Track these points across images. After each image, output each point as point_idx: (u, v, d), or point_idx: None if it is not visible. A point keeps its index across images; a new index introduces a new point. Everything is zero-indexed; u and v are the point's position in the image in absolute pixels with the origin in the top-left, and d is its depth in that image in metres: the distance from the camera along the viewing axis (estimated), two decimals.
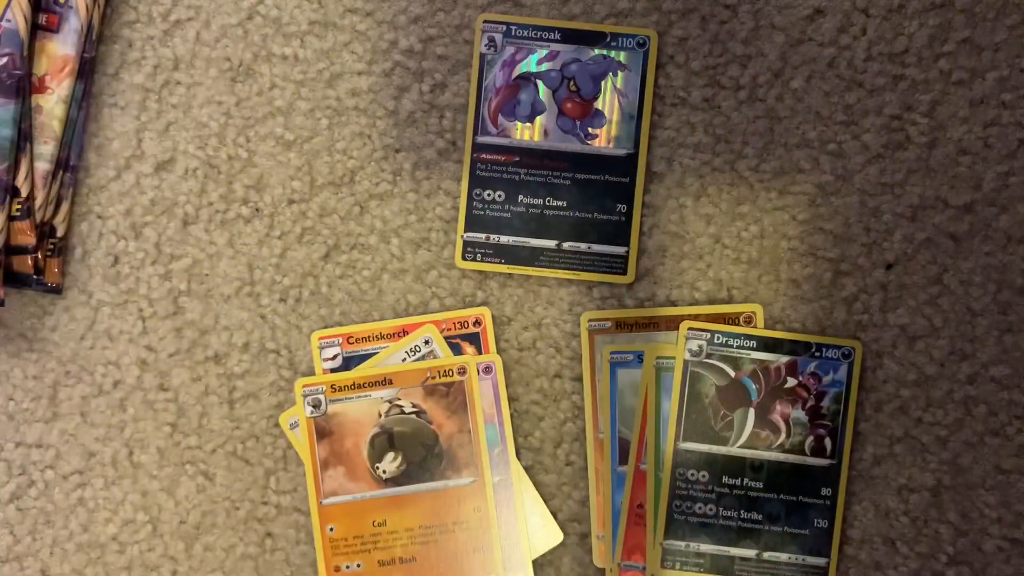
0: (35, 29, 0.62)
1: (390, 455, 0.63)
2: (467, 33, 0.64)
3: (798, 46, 0.64)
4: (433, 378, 0.63)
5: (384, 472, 0.63)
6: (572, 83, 0.62)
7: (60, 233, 0.64)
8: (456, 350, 0.63)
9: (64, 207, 0.64)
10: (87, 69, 0.64)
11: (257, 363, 0.64)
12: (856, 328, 0.63)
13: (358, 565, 0.62)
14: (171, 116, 0.65)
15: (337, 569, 0.63)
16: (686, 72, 0.64)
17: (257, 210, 0.65)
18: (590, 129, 0.63)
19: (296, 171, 0.65)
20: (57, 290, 0.64)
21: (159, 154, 0.65)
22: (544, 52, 0.63)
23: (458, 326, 0.64)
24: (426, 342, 0.63)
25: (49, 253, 0.63)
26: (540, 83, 0.63)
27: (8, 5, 0.60)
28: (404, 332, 0.64)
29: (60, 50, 0.62)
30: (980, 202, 0.63)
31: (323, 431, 0.63)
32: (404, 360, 0.63)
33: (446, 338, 0.63)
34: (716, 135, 0.64)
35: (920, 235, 0.63)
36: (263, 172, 0.65)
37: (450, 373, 0.63)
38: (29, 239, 0.61)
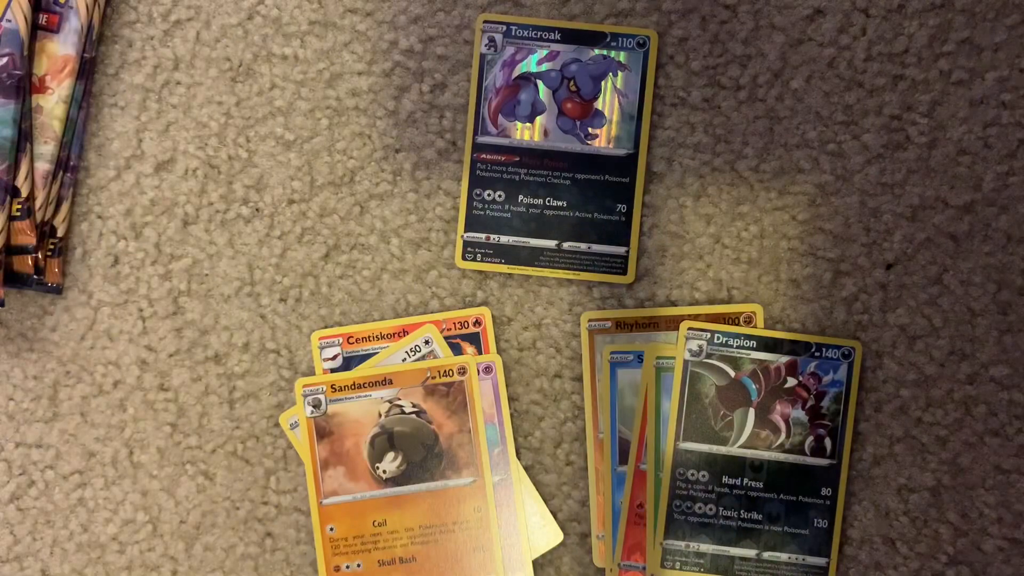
0: (35, 29, 0.62)
1: (390, 455, 0.63)
2: (467, 33, 0.64)
3: (798, 46, 0.64)
4: (433, 378, 0.63)
5: (384, 472, 0.63)
6: (572, 83, 0.62)
7: (60, 233, 0.64)
8: (456, 350, 0.63)
9: (64, 207, 0.64)
10: (87, 69, 0.64)
11: (257, 363, 0.64)
12: (856, 328, 0.63)
13: (358, 565, 0.62)
14: (171, 116, 0.65)
15: (337, 569, 0.63)
16: (686, 72, 0.64)
17: (257, 210, 0.65)
18: (590, 129, 0.63)
19: (296, 171, 0.65)
20: (57, 290, 0.64)
21: (159, 154, 0.65)
22: (544, 52, 0.63)
23: (458, 326, 0.64)
24: (426, 342, 0.63)
25: (49, 253, 0.63)
26: (540, 83, 0.63)
27: (8, 5, 0.60)
28: (404, 332, 0.64)
29: (60, 50, 0.62)
30: (980, 202, 0.63)
31: (323, 431, 0.63)
32: (404, 360, 0.63)
33: (446, 338, 0.63)
34: (716, 135, 0.64)
35: (920, 235, 0.63)
36: (263, 172, 0.65)
37: (450, 373, 0.63)
38: (29, 239, 0.62)
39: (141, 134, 0.65)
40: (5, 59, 0.60)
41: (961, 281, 0.63)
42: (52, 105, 0.62)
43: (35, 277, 0.63)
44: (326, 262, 0.65)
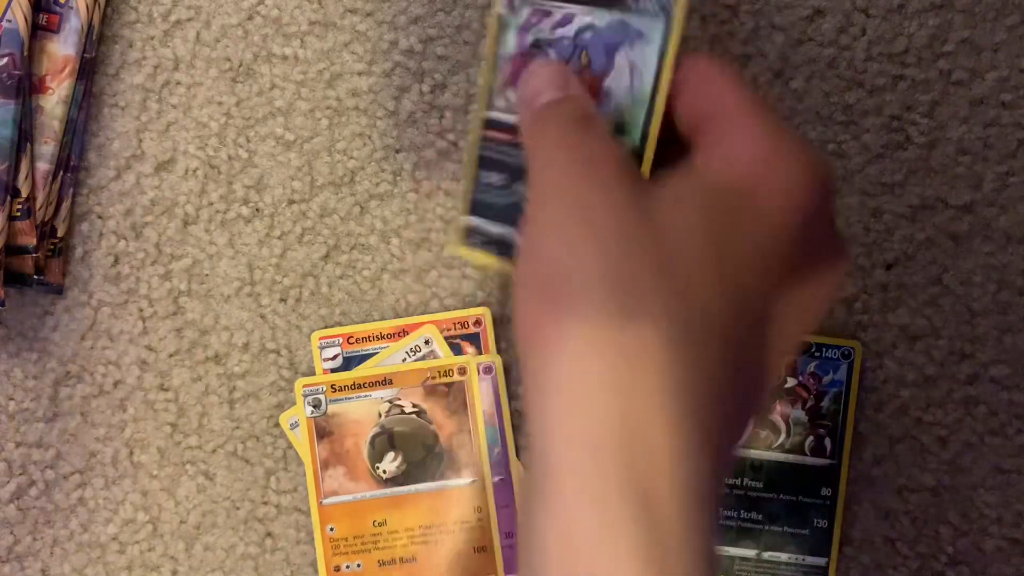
0: (35, 29, 0.62)
1: (390, 455, 0.63)
2: (467, 34, 0.64)
3: (798, 46, 0.64)
4: (433, 378, 0.63)
5: (384, 472, 0.63)
6: (584, 55, 0.54)
7: (60, 233, 0.64)
8: (456, 350, 0.63)
9: (64, 207, 0.64)
10: (87, 69, 0.64)
11: (257, 363, 0.64)
12: (856, 328, 0.63)
13: (358, 565, 0.62)
14: (171, 116, 0.65)
15: (337, 569, 0.63)
16: None
17: (257, 210, 0.65)
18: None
19: (296, 171, 0.65)
20: (58, 290, 0.64)
21: (159, 154, 0.65)
22: (560, 15, 0.55)
23: (458, 326, 0.64)
24: (426, 342, 0.63)
25: (50, 253, 0.63)
26: (551, 52, 0.56)
27: (8, 5, 0.60)
28: (404, 332, 0.64)
29: (60, 50, 0.62)
30: (980, 202, 0.63)
31: (323, 431, 0.63)
32: (404, 360, 0.63)
33: (446, 338, 0.63)
34: None
35: (920, 235, 0.63)
36: (263, 172, 0.65)
37: (450, 373, 0.63)
38: (30, 239, 0.61)
39: (141, 134, 0.65)
40: (5, 59, 0.60)
41: (961, 281, 0.63)
42: (52, 105, 0.62)
43: (36, 277, 0.63)
44: (326, 262, 0.65)
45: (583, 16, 0.54)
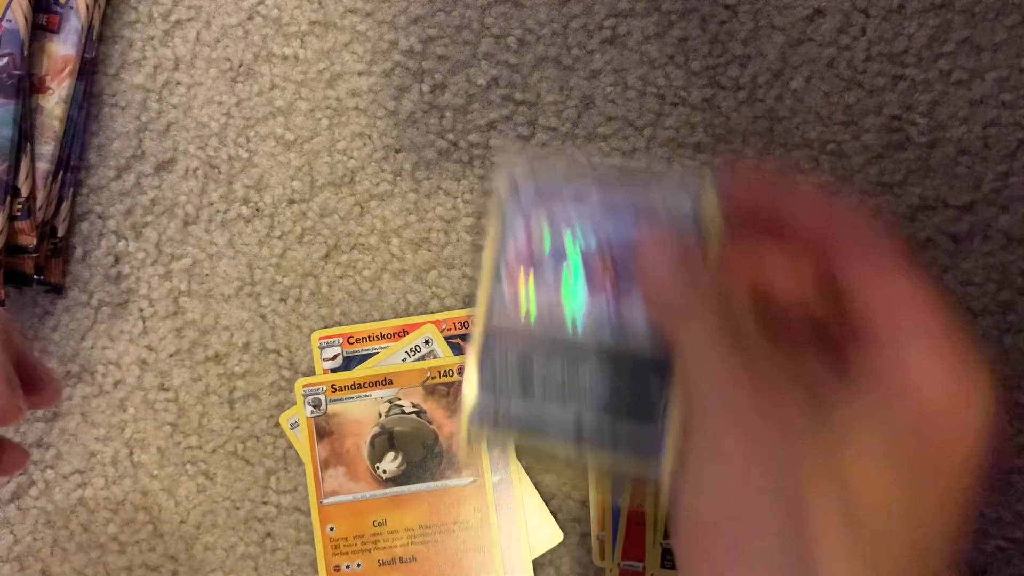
0: (35, 29, 0.62)
1: (390, 455, 0.63)
2: (467, 33, 0.64)
3: (798, 46, 0.64)
4: (433, 378, 0.63)
5: (384, 472, 0.63)
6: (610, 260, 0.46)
7: (60, 233, 0.64)
8: (456, 350, 0.64)
9: (64, 207, 0.64)
10: (88, 69, 0.64)
11: (257, 363, 0.65)
12: None
13: (358, 565, 0.63)
14: (171, 116, 0.65)
15: (337, 569, 0.63)
16: (686, 72, 0.64)
17: (257, 210, 0.65)
18: None
19: (296, 171, 0.65)
20: (59, 290, 0.64)
21: (159, 154, 0.65)
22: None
23: (458, 326, 0.64)
24: (426, 342, 0.63)
25: (50, 253, 0.63)
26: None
27: (8, 5, 0.60)
28: (404, 332, 0.64)
29: (60, 50, 0.62)
30: (980, 202, 0.63)
31: (323, 431, 0.63)
32: (404, 360, 0.63)
33: (446, 338, 0.64)
34: (716, 135, 0.64)
35: (920, 235, 0.63)
36: (263, 172, 0.65)
37: (450, 373, 0.63)
38: (30, 239, 0.62)
39: (141, 134, 0.65)
40: (5, 59, 0.60)
41: (961, 281, 0.63)
42: (52, 105, 0.62)
43: (36, 277, 0.63)
44: (326, 262, 0.65)
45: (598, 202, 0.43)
